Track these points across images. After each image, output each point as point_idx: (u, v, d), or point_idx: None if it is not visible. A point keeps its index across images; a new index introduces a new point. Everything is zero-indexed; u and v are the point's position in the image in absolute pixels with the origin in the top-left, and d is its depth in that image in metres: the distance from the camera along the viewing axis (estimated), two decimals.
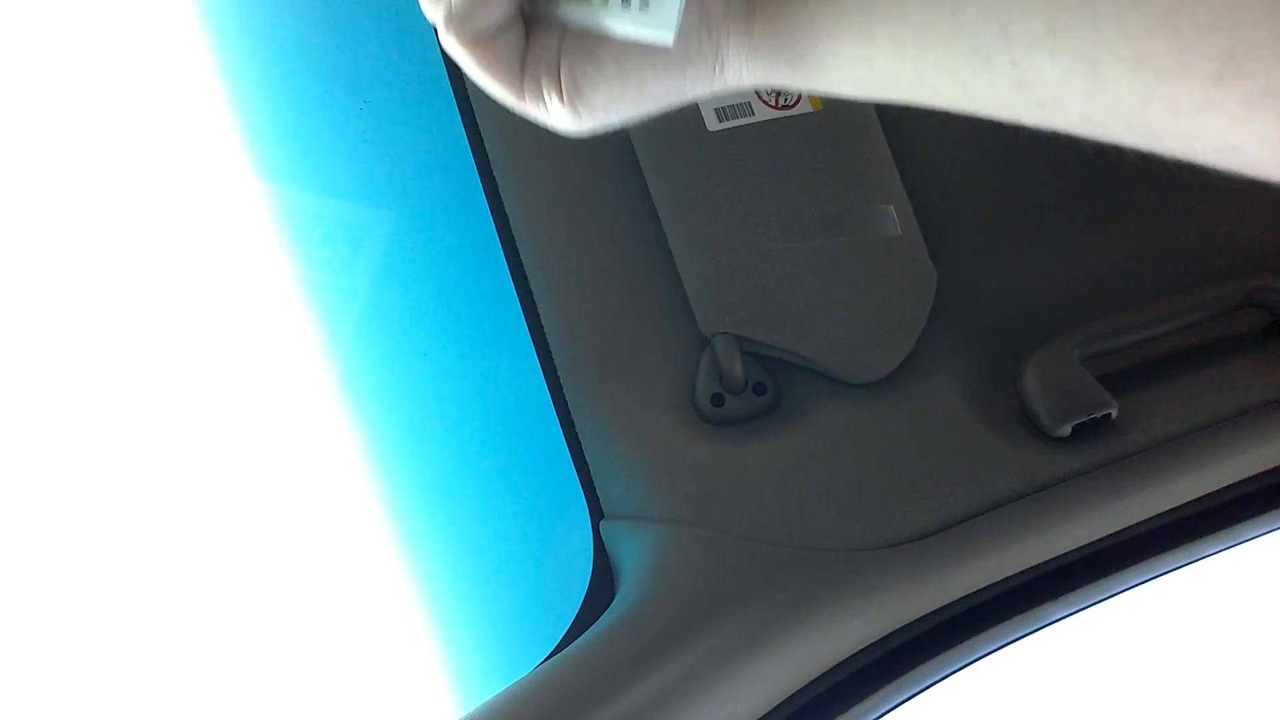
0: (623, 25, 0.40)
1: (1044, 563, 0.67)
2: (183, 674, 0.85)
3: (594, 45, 0.41)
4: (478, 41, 0.41)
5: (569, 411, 0.73)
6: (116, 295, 0.91)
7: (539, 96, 0.42)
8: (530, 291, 0.75)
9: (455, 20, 0.40)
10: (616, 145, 0.76)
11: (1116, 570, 0.68)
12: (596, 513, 0.72)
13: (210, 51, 0.96)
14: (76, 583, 0.86)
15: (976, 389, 0.73)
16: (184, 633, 0.86)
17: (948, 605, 0.65)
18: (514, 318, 0.76)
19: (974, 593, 0.65)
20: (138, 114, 0.94)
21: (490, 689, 0.59)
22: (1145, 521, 0.68)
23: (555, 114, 0.43)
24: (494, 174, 0.77)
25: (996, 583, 0.66)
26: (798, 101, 0.77)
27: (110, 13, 0.95)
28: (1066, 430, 0.69)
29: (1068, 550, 0.67)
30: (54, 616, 0.85)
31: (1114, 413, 0.69)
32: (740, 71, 0.41)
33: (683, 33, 0.39)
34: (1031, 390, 0.70)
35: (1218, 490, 0.70)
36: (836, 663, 0.62)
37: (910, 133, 0.79)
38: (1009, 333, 0.75)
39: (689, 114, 0.75)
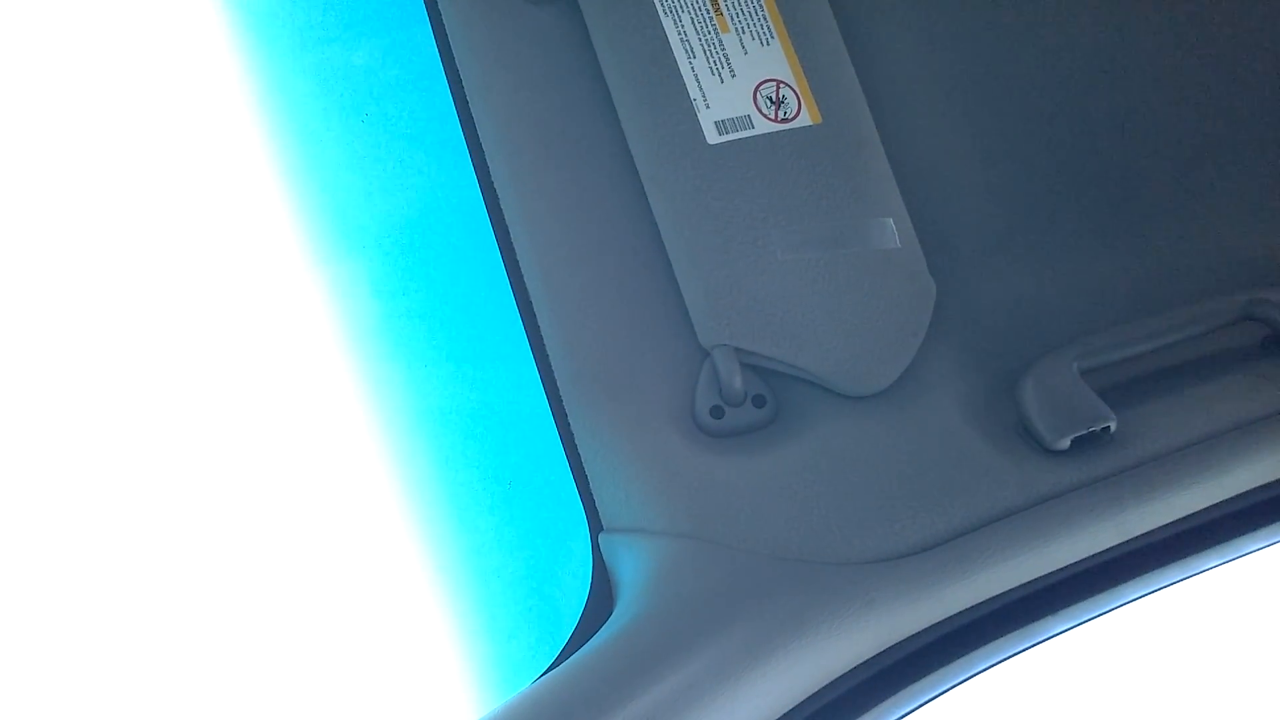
0: None
1: (1043, 576, 0.67)
2: (176, 675, 0.85)
3: None
4: None
5: (568, 423, 0.73)
6: (119, 295, 0.91)
7: None
8: (529, 302, 0.75)
9: None
10: (616, 158, 0.76)
11: (1116, 584, 0.68)
12: (595, 525, 0.71)
13: (213, 57, 0.96)
14: (72, 582, 0.85)
15: (975, 402, 0.73)
16: (174, 640, 0.86)
17: (947, 619, 0.65)
18: (513, 329, 0.76)
19: (973, 606, 0.65)
20: (139, 115, 0.94)
21: (488, 703, 0.59)
22: (1144, 535, 0.68)
23: None
24: (494, 185, 0.77)
25: (995, 596, 0.66)
26: (797, 114, 0.77)
27: (108, 14, 0.95)
28: (1065, 443, 0.69)
29: (1067, 564, 0.67)
30: (61, 617, 0.85)
31: (1113, 426, 0.69)
32: None
33: None
34: (1030, 403, 0.70)
35: (1217, 504, 0.70)
36: (836, 677, 0.62)
37: (909, 145, 0.80)
38: (1008, 345, 0.75)
39: (688, 127, 0.75)
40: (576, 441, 0.72)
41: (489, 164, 0.77)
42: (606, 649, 0.61)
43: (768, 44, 0.78)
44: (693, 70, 0.76)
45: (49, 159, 0.93)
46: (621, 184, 0.76)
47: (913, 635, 0.64)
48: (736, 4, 0.79)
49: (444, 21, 0.80)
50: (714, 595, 0.63)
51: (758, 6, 0.79)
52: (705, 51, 0.77)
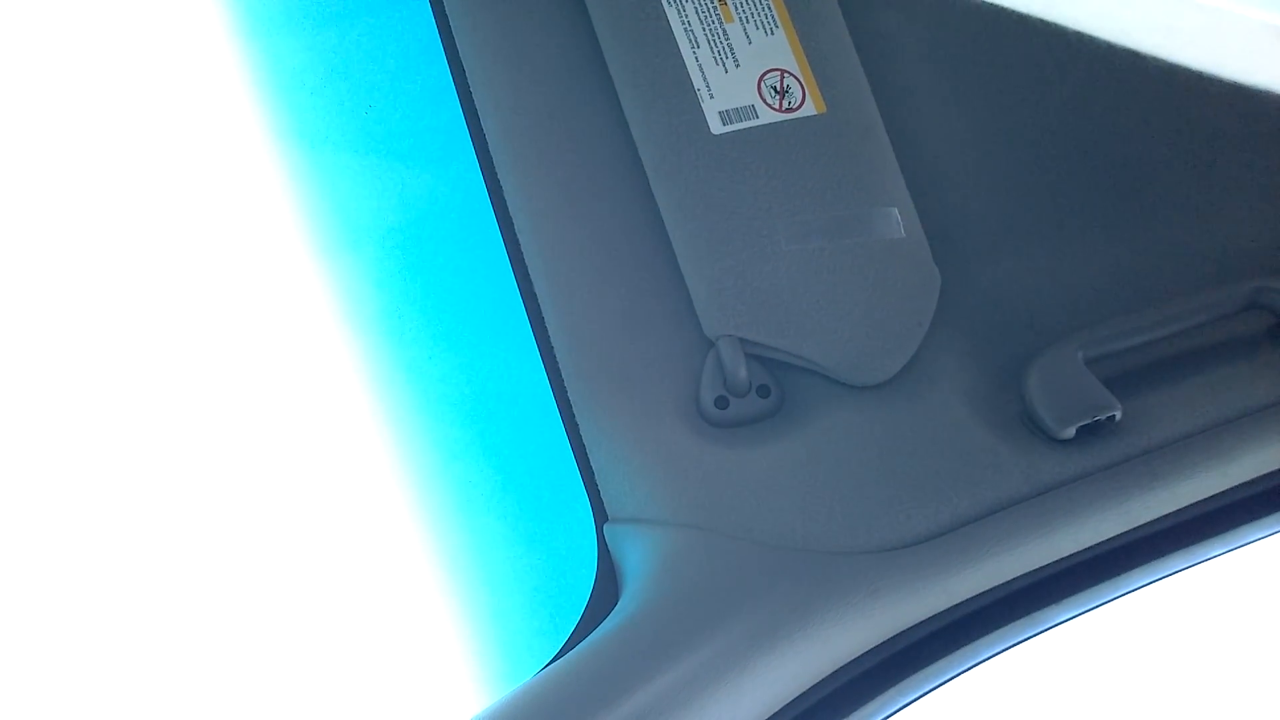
0: None
1: (1048, 565, 0.67)
2: (180, 665, 0.86)
3: None
4: None
5: (572, 414, 0.73)
6: (123, 293, 0.91)
7: None
8: (534, 294, 0.75)
9: None
10: (620, 148, 0.76)
11: (1121, 573, 0.68)
12: (600, 515, 0.72)
13: (215, 54, 0.96)
14: (70, 575, 0.86)
15: (980, 391, 0.73)
16: (177, 631, 0.86)
17: (951, 608, 0.65)
18: (517, 319, 0.76)
19: (977, 595, 0.65)
20: (141, 113, 0.94)
21: (494, 693, 0.59)
22: (1149, 524, 0.68)
23: None
24: (498, 176, 0.77)
25: (1000, 585, 0.66)
26: (802, 104, 0.77)
27: (111, 12, 0.95)
28: (1070, 432, 0.69)
29: (1072, 553, 0.67)
30: (62, 617, 0.85)
31: (1118, 415, 0.69)
32: None
33: None
34: (1035, 392, 0.70)
35: (1222, 492, 0.70)
36: (840, 666, 0.63)
37: (914, 135, 0.79)
38: (1013, 335, 0.75)
39: (692, 117, 0.75)
40: (581, 432, 0.72)
41: (492, 154, 0.77)
42: (612, 639, 0.62)
43: (772, 33, 0.78)
44: (697, 60, 0.76)
45: (42, 154, 0.92)
46: (625, 174, 0.76)
47: (917, 624, 0.65)
48: None
49: (446, 9, 0.80)
50: (719, 585, 0.64)
51: None
52: (709, 41, 0.77)
